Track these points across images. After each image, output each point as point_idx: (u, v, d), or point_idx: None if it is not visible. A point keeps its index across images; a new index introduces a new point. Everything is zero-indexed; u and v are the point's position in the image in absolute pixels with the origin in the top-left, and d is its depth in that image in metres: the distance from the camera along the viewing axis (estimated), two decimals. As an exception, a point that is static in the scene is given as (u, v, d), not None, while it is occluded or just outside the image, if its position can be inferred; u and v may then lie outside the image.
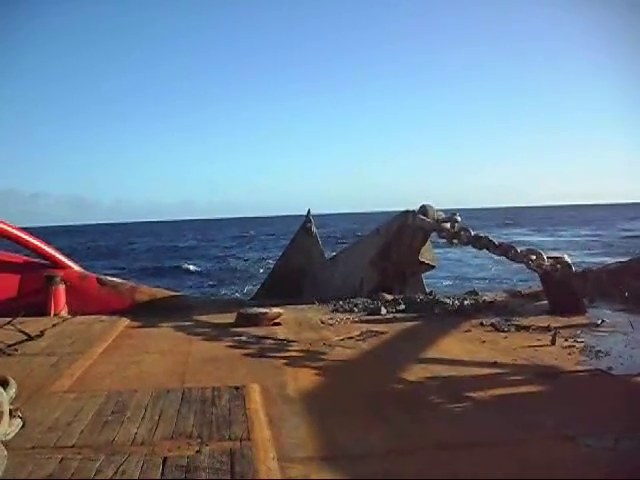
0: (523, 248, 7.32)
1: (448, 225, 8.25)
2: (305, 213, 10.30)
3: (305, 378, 4.72)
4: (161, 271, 38.49)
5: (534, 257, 7.04)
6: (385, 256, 9.15)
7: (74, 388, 4.46)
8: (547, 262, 6.91)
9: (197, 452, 3.08)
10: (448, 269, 29.04)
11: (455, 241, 8.12)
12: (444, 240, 8.43)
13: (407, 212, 8.93)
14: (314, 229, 10.07)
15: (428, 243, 9.24)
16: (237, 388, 4.20)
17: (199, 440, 3.25)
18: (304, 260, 9.91)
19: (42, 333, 6.32)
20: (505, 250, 7.31)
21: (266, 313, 7.22)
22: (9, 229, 8.17)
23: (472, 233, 7.84)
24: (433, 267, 9.54)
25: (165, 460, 2.98)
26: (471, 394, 4.19)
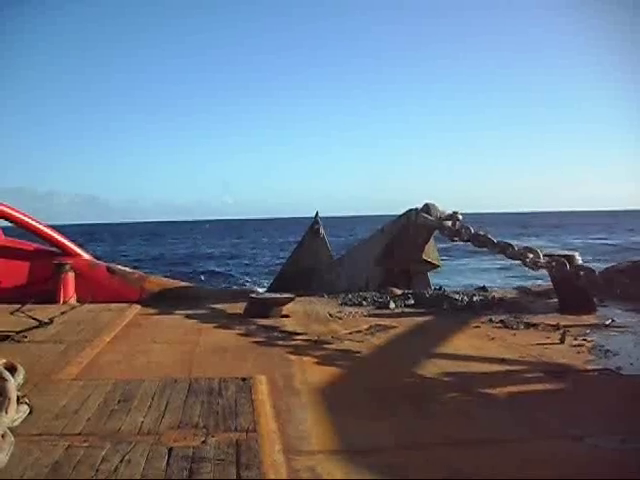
0: (520, 246, 7.31)
1: (450, 223, 8.34)
2: (327, 215, 10.41)
3: (312, 370, 4.71)
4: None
5: (531, 255, 7.04)
6: (389, 254, 9.21)
7: (82, 376, 4.47)
8: (543, 260, 6.92)
9: (203, 442, 3.08)
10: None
11: (456, 239, 8.20)
12: (450, 239, 8.45)
13: (411, 210, 9.02)
14: (322, 231, 10.19)
15: (432, 243, 9.32)
16: (244, 379, 4.20)
17: (205, 431, 3.25)
18: (312, 261, 9.96)
19: (51, 320, 6.34)
20: (503, 248, 7.36)
21: (277, 298, 7.26)
22: (20, 216, 8.21)
23: (472, 231, 7.91)
24: (437, 266, 9.59)
25: (171, 450, 2.98)
26: (479, 390, 4.17)
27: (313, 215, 10.40)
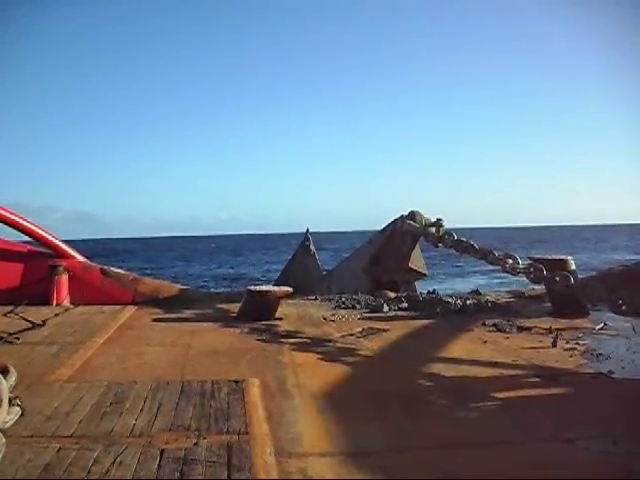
0: (500, 252, 7.39)
1: (434, 230, 8.54)
2: (310, 230, 10.57)
3: (305, 373, 4.72)
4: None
5: (510, 261, 7.13)
6: (377, 263, 9.34)
7: (74, 378, 4.46)
8: (522, 265, 7.01)
9: (194, 445, 3.09)
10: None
11: (440, 245, 8.35)
12: (434, 245, 8.62)
13: (397, 220, 9.27)
14: (312, 247, 10.43)
15: (418, 251, 9.51)
16: (236, 382, 4.20)
17: (197, 433, 3.26)
18: (303, 276, 10.04)
19: (44, 322, 6.33)
20: (484, 254, 7.48)
21: (274, 291, 7.27)
22: (14, 218, 8.19)
23: (455, 237, 8.04)
24: (424, 275, 9.72)
25: (162, 452, 2.98)
26: (471, 394, 4.18)
27: (311, 230, 10.57)
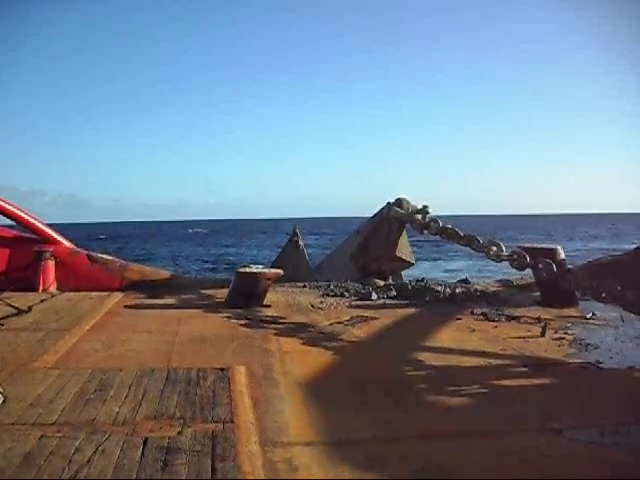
0: (485, 239, 7.36)
1: (419, 216, 8.50)
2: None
3: (292, 361, 4.68)
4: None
5: (494, 248, 7.09)
6: (364, 251, 9.33)
7: (58, 365, 4.41)
8: (505, 253, 6.97)
9: (179, 433, 3.04)
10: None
11: (425, 231, 8.33)
12: (420, 232, 8.59)
13: (384, 207, 9.29)
14: (301, 243, 10.57)
15: (406, 240, 9.50)
16: (222, 370, 4.17)
17: (181, 421, 3.22)
18: (291, 271, 10.03)
19: (29, 308, 6.27)
20: (469, 240, 7.44)
21: (265, 272, 7.22)
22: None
23: (440, 224, 8.00)
24: (411, 264, 9.72)
25: (146, 441, 2.94)
26: (458, 383, 4.16)
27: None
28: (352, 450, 3.05)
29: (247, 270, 7.32)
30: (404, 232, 9.31)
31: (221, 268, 35.01)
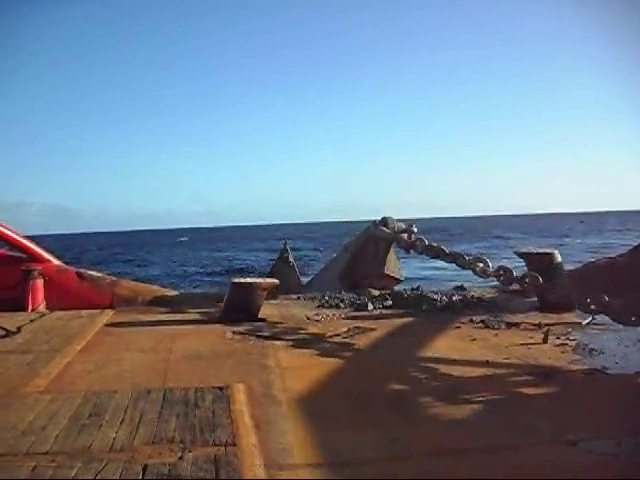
0: (471, 256, 7.32)
1: (405, 236, 8.56)
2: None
3: (292, 377, 4.55)
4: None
5: (481, 264, 7.05)
6: (352, 270, 9.32)
7: (50, 388, 4.25)
8: (492, 269, 6.93)
9: (179, 459, 2.91)
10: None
11: (412, 250, 8.32)
12: (406, 251, 8.62)
13: (369, 225, 9.36)
14: (291, 259, 10.53)
15: (395, 257, 9.56)
16: (221, 388, 4.03)
17: (181, 445, 3.08)
18: (283, 287, 9.97)
19: (18, 329, 6.10)
20: (454, 258, 7.42)
21: (260, 283, 7.12)
22: None
23: (426, 243, 7.99)
24: (400, 281, 9.68)
25: (145, 468, 2.81)
26: (464, 395, 4.04)
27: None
28: (361, 470, 2.92)
29: (242, 280, 7.21)
30: (392, 249, 9.28)
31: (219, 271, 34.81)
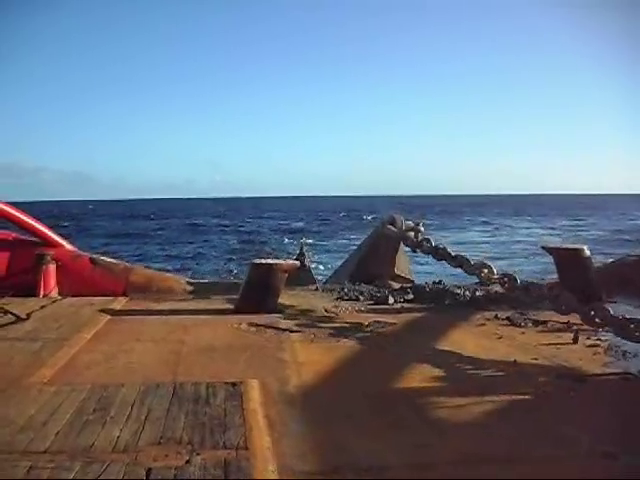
0: (477, 261, 7.12)
1: (412, 235, 8.36)
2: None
3: (309, 373, 4.32)
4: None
5: (486, 270, 6.87)
6: (362, 270, 9.07)
7: (55, 379, 4.06)
8: (496, 275, 6.76)
9: (186, 462, 2.71)
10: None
11: (418, 250, 8.17)
12: (412, 250, 8.45)
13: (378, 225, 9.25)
14: (307, 262, 10.18)
15: (405, 257, 9.32)
16: (234, 384, 3.81)
17: (189, 447, 2.88)
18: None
19: (28, 316, 5.93)
20: (460, 262, 7.26)
21: (281, 264, 6.97)
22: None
23: (433, 244, 7.82)
24: (411, 282, 9.41)
25: (149, 471, 2.61)
26: (492, 397, 3.78)
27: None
28: (381, 478, 2.69)
29: (262, 262, 7.08)
30: (403, 249, 9.03)
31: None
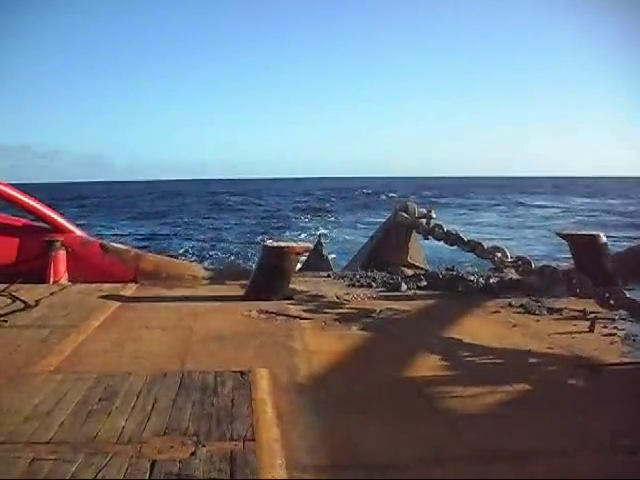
0: (490, 245, 7.12)
1: (424, 221, 8.50)
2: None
3: (319, 362, 4.24)
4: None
5: (499, 254, 6.90)
6: (375, 258, 9.02)
7: (62, 368, 4.00)
8: (510, 259, 6.79)
9: (192, 455, 2.63)
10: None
11: (430, 236, 8.30)
12: (424, 237, 8.62)
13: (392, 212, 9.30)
14: (325, 252, 10.32)
15: (418, 245, 9.27)
16: (242, 373, 3.74)
17: (195, 438, 2.80)
18: None
19: (37, 302, 5.88)
20: (473, 247, 7.33)
21: (294, 247, 6.89)
22: (7, 190, 7.67)
23: (445, 229, 7.94)
24: (425, 270, 9.33)
25: (153, 464, 2.54)
26: (507, 388, 3.68)
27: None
28: (395, 475, 2.61)
29: (275, 244, 7.05)
30: (416, 237, 8.94)
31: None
